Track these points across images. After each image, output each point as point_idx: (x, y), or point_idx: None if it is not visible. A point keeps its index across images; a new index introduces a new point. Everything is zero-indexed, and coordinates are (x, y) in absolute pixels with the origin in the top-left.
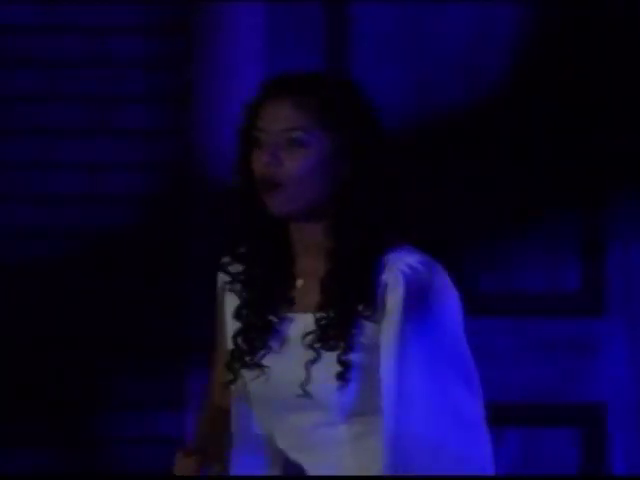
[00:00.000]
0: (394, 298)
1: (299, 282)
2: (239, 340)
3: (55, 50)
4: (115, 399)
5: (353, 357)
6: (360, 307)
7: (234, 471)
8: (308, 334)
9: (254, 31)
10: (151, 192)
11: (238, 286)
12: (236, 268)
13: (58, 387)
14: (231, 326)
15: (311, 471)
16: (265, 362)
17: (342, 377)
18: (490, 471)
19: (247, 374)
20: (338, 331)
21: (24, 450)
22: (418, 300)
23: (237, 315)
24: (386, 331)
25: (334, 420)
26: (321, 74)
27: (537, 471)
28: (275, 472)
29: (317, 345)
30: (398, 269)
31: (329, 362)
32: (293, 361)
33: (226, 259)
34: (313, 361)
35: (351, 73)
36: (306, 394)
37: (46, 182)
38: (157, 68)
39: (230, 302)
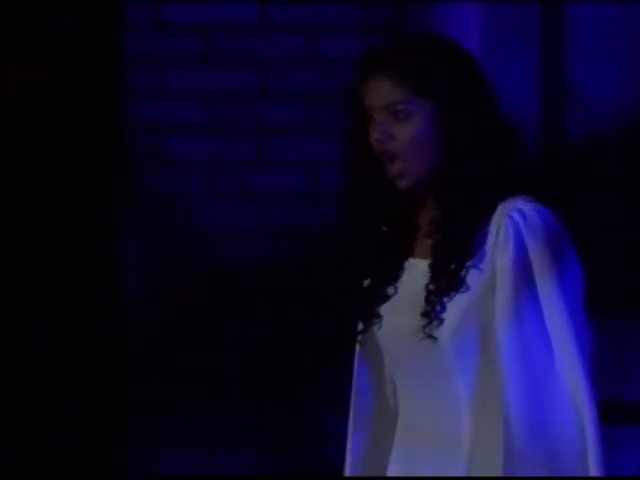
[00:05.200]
0: (502, 242)
1: (424, 231)
2: (372, 292)
3: (269, 48)
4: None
5: (465, 301)
6: (468, 253)
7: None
8: (424, 280)
9: (471, 33)
10: None
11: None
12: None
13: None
14: None
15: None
16: (385, 310)
17: (439, 320)
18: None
19: (373, 323)
20: (450, 276)
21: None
22: (526, 244)
23: (366, 273)
24: (499, 275)
25: (451, 365)
26: (412, 38)
27: None
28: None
29: (432, 290)
30: (508, 214)
31: (445, 306)
32: (413, 307)
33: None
34: (431, 305)
35: (567, 73)
36: (428, 337)
37: (264, 180)
38: None
39: None
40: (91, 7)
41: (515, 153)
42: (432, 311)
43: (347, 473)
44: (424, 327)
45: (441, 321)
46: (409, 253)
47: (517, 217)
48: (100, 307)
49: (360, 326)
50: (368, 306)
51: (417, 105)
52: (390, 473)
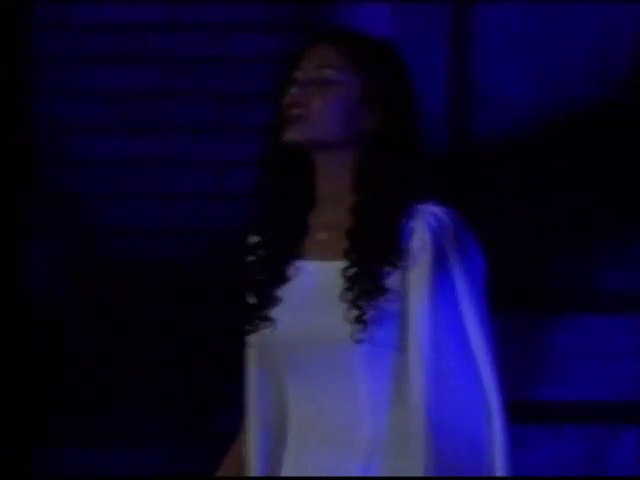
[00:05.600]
0: (421, 246)
1: (322, 234)
2: (259, 293)
3: (178, 47)
4: None
5: (378, 304)
6: (386, 257)
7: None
8: (334, 283)
9: (379, 32)
10: None
11: (259, 245)
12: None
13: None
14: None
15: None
16: (280, 311)
17: (365, 322)
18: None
19: (264, 325)
20: (365, 280)
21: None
22: (443, 245)
23: (256, 269)
24: (416, 277)
25: (358, 366)
26: (362, 31)
27: None
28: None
29: (345, 294)
30: (424, 218)
31: (352, 309)
32: (315, 310)
33: (253, 221)
34: (339, 310)
35: (474, 72)
36: (354, 340)
37: (173, 180)
38: (279, 67)
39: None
40: None
41: (425, 155)
42: (357, 315)
43: (255, 473)
44: (354, 331)
45: (362, 324)
46: (299, 254)
47: (432, 220)
48: (4, 307)
49: (250, 327)
50: (258, 307)
51: (345, 76)
52: (284, 472)
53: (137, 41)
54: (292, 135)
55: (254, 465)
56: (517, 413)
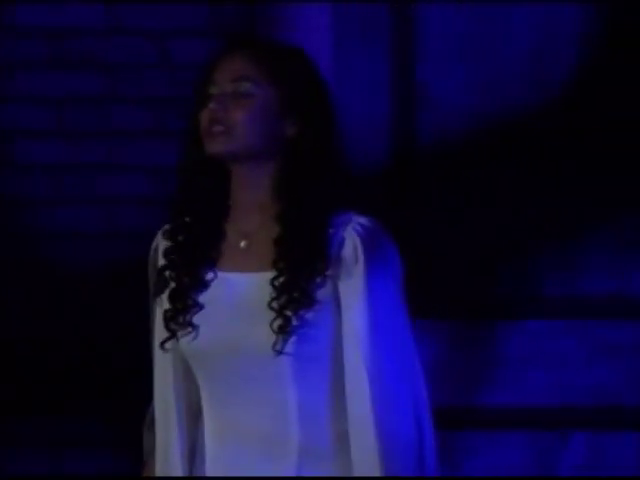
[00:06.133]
0: (351, 253)
1: (243, 243)
2: (174, 299)
3: (118, 52)
4: None
5: (307, 314)
6: (315, 265)
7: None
8: (260, 295)
9: (320, 32)
10: None
11: (174, 250)
12: (175, 235)
13: None
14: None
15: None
16: (200, 321)
17: (291, 333)
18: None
19: (182, 333)
20: (293, 289)
21: None
22: (374, 254)
23: (172, 276)
24: (350, 287)
25: (284, 376)
26: (274, 39)
27: (602, 474)
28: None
29: (272, 304)
30: (351, 227)
31: (279, 319)
32: (240, 321)
33: (167, 227)
34: (265, 321)
35: (417, 73)
36: (276, 352)
37: (110, 184)
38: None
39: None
40: None
41: (345, 166)
42: (283, 325)
43: (174, 473)
44: (275, 343)
45: (287, 335)
46: (218, 263)
47: (359, 229)
48: None
49: (165, 333)
50: (175, 313)
51: (261, 89)
52: (209, 472)
53: (73, 46)
54: (214, 148)
55: (176, 465)
56: (463, 419)
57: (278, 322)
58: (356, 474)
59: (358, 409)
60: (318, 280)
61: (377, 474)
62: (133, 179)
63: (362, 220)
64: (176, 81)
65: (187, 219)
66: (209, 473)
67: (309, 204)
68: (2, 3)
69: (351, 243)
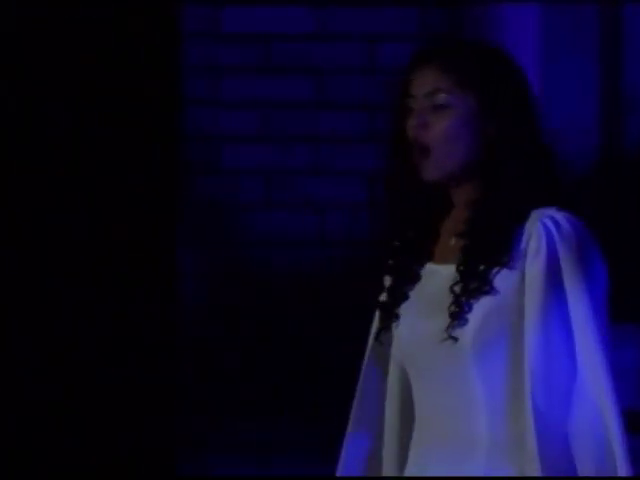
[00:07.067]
0: (535, 249)
1: (452, 239)
2: (391, 292)
3: (326, 57)
4: None
5: (492, 303)
6: (494, 255)
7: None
8: (446, 285)
9: (529, 33)
10: None
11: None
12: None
13: None
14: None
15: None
16: (410, 312)
17: (480, 321)
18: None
19: (394, 325)
20: (478, 278)
21: None
22: (560, 255)
23: (390, 271)
24: (529, 282)
25: (471, 368)
26: (466, 41)
27: None
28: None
29: (459, 291)
30: (542, 222)
31: (472, 307)
32: (434, 311)
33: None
34: (457, 309)
35: (625, 74)
36: (451, 338)
37: (318, 189)
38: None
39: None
40: (149, 18)
41: (551, 163)
42: (458, 312)
43: (339, 473)
44: (448, 328)
45: (465, 322)
46: (429, 258)
47: (550, 224)
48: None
49: (378, 325)
50: (388, 306)
51: (458, 98)
52: (407, 473)
53: (280, 51)
54: (427, 174)
55: (342, 465)
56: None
57: (459, 311)
58: (541, 473)
59: (530, 404)
60: (499, 270)
61: (570, 474)
62: (340, 184)
63: (558, 216)
64: (384, 86)
65: (409, 233)
66: (408, 473)
67: (504, 199)
68: (210, 10)
69: (535, 237)
